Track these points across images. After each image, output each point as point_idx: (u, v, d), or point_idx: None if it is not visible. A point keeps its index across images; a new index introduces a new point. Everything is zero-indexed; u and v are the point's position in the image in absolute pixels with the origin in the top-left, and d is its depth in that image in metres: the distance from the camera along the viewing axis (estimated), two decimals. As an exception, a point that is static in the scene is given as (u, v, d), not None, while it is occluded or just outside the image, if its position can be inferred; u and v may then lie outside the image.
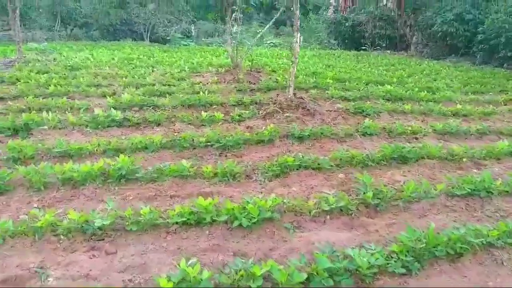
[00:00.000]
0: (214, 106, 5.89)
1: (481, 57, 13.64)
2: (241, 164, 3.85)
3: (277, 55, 13.54)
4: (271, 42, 22.89)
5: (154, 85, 7.07)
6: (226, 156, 4.19)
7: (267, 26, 8.24)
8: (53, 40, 19.53)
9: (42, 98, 5.77)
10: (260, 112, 5.60)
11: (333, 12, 23.58)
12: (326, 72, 8.59)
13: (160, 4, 22.46)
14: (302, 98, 5.84)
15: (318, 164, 3.82)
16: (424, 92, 7.07)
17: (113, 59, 9.99)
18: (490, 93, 7.98)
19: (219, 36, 29.71)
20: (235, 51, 8.35)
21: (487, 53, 13.26)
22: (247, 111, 5.55)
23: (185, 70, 8.83)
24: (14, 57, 9.38)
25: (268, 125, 4.64)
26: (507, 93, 7.90)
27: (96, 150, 3.99)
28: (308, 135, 4.58)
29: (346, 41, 21.04)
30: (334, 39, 21.25)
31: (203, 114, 5.16)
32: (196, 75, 8.47)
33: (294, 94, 5.85)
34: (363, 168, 3.91)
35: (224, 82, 7.53)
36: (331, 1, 24.64)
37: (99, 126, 4.73)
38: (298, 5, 5.41)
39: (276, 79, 7.80)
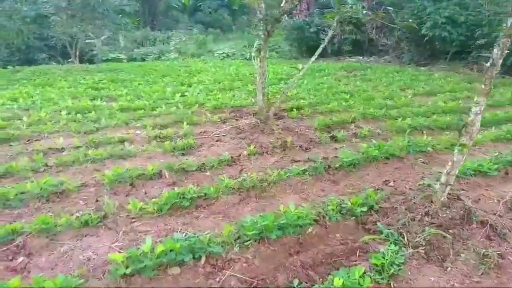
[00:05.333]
0: (309, 230, 3.17)
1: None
2: None
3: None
4: (223, 53, 20.08)
5: (161, 174, 4.16)
6: None
7: (313, 58, 5.57)
8: None
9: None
10: (406, 237, 3.02)
11: (287, 16, 21.41)
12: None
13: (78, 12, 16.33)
14: (458, 197, 3.36)
15: None
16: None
17: (59, 112, 6.61)
18: None
19: (152, 45, 26.19)
20: (265, 95, 5.58)
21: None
22: (388, 243, 2.93)
23: (181, 125, 5.92)
24: None
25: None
26: None
27: None
28: None
29: (307, 48, 18.99)
30: (296, 46, 19.05)
31: (334, 280, 2.43)
32: (203, 135, 5.60)
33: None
34: None
35: (266, 151, 4.78)
36: (281, 5, 22.41)
37: None
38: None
39: (334, 136, 5.25)
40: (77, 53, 15.56)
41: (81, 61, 16.44)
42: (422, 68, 13.86)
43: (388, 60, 16.04)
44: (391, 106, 7.13)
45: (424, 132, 5.60)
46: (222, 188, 3.75)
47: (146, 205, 3.46)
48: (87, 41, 18.25)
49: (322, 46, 5.56)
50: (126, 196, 3.80)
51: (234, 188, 3.80)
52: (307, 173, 4.06)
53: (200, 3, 35.95)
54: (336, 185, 3.96)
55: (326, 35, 17.32)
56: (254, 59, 5.56)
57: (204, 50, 22.79)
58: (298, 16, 20.67)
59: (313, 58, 5.57)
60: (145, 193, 3.84)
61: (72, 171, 4.30)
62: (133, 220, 3.32)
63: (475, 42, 12.28)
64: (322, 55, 19.52)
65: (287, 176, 3.98)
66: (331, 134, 5.25)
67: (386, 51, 17.23)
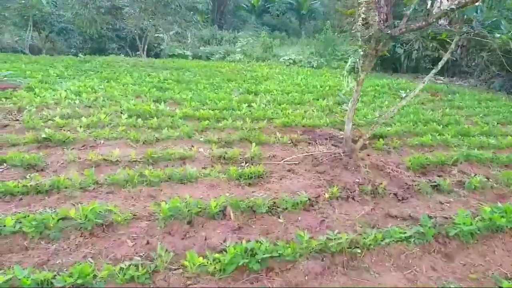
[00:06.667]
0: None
1: None
2: None
3: (333, 87, 9.91)
4: (290, 59, 19.27)
5: (225, 212, 3.43)
6: None
7: (420, 86, 4.59)
8: (22, 51, 15.49)
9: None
10: None
11: (362, 26, 20.14)
12: None
13: (151, 6, 15.60)
14: None
15: None
16: None
17: (120, 113, 6.19)
18: None
19: (218, 44, 26.01)
20: (351, 123, 4.68)
21: None
22: None
23: (247, 144, 5.20)
24: None
25: None
26: None
27: None
28: None
29: (381, 62, 17.70)
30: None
31: None
32: (272, 160, 4.82)
33: None
34: None
35: (351, 196, 3.90)
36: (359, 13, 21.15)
37: None
38: None
39: (436, 184, 4.24)
40: (145, 47, 15.47)
41: (148, 55, 16.40)
42: (517, 97, 12.19)
43: (473, 83, 14.40)
44: (495, 146, 5.94)
45: (551, 190, 4.43)
46: (301, 249, 2.92)
47: (206, 261, 2.71)
48: (156, 35, 18.24)
49: (433, 71, 4.57)
50: (182, 239, 3.10)
51: (315, 249, 2.96)
52: (412, 240, 3.12)
53: (269, 5, 35.44)
54: (450, 262, 2.99)
55: (404, 49, 15.91)
56: (344, 79, 4.68)
57: (270, 54, 22.08)
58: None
59: (420, 86, 4.59)
60: (205, 239, 3.10)
61: (123, 194, 3.68)
62: (189, 282, 2.59)
63: None
64: (396, 71, 18.20)
65: (386, 242, 3.07)
66: (435, 183, 4.23)
67: (470, 73, 15.56)
